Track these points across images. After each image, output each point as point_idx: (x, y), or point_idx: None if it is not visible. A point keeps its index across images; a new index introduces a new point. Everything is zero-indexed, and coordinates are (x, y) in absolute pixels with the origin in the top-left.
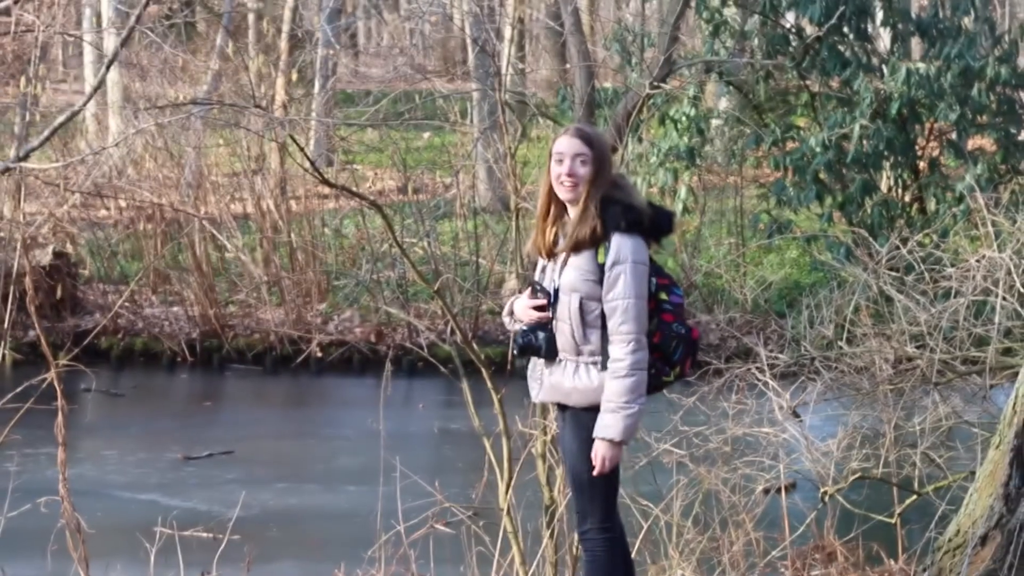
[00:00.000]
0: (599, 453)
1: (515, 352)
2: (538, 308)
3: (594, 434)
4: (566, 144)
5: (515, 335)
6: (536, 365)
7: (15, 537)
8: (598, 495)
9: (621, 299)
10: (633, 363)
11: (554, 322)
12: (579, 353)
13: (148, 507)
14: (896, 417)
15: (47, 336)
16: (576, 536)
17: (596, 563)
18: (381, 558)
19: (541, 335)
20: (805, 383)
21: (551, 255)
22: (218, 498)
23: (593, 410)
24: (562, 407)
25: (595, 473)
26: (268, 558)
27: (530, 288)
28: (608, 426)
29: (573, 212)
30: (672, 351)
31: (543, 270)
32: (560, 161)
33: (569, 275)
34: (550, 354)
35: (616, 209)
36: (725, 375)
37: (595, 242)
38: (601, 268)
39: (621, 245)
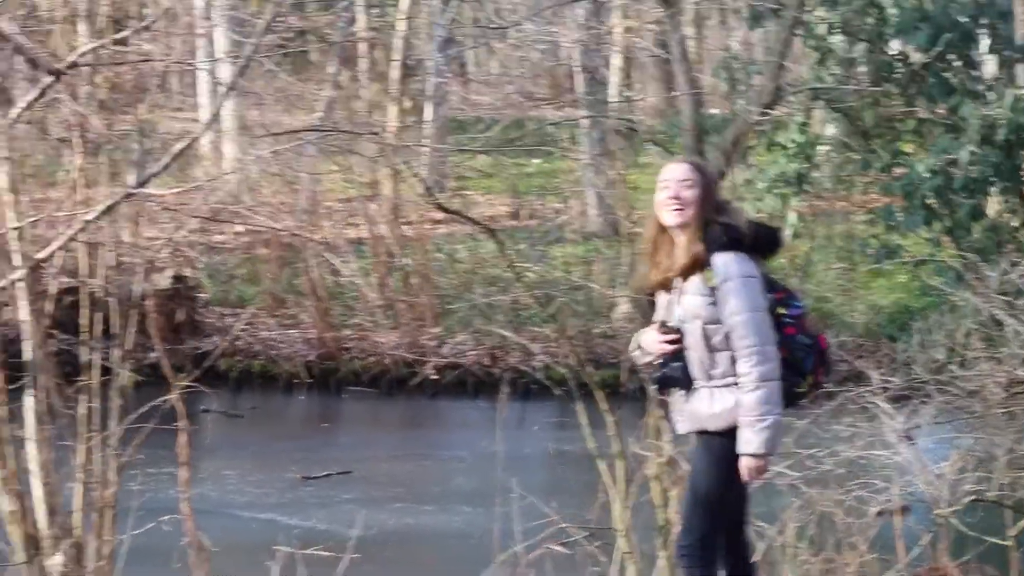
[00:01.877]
0: (744, 467)
1: (655, 387)
2: (670, 341)
3: (737, 450)
4: (672, 171)
5: (651, 371)
6: (676, 397)
7: (139, 555)
8: (707, 515)
9: (737, 314)
10: (759, 375)
11: (685, 351)
12: (710, 378)
13: (267, 526)
14: (1009, 440)
15: (168, 358)
16: (675, 548)
17: None
18: None
19: (676, 365)
20: (917, 406)
21: (667, 287)
22: (336, 518)
23: (728, 432)
24: (700, 431)
25: (743, 482)
26: None
27: (659, 325)
28: (748, 441)
29: (680, 238)
30: (801, 362)
31: (667, 303)
32: (666, 187)
33: (687, 302)
34: (688, 383)
35: (715, 229)
36: (837, 398)
37: (701, 265)
38: (713, 291)
39: (725, 262)
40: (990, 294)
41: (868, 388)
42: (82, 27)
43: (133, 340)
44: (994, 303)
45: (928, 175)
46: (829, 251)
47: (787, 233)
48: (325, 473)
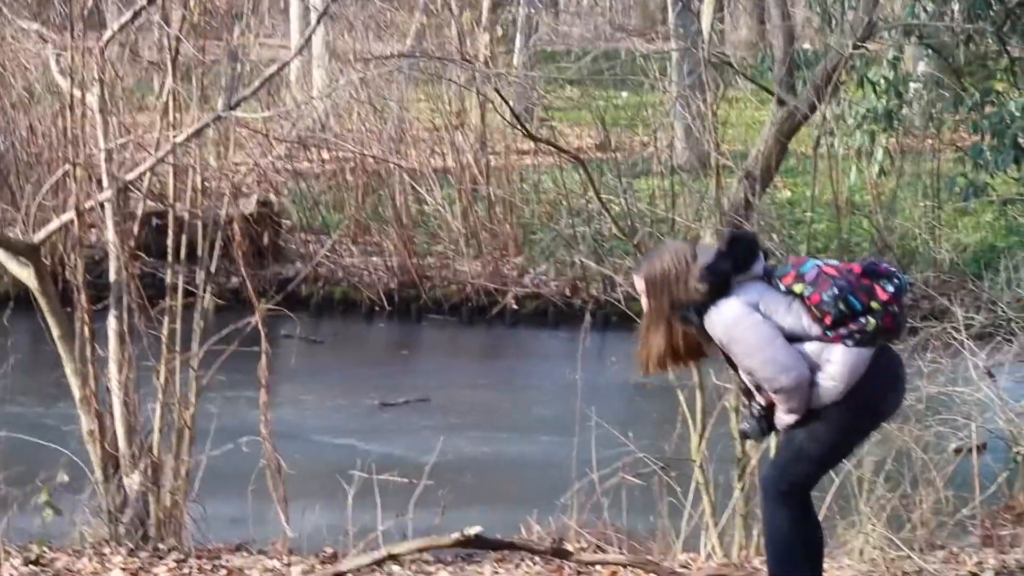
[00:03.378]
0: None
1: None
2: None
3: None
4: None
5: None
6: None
7: (215, 477)
8: (809, 467)
9: (747, 359)
10: (786, 398)
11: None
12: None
13: (345, 451)
14: None
15: (251, 283)
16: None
17: (769, 512)
18: (574, 506)
19: (752, 419)
20: (1001, 344)
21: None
22: (413, 444)
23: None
24: None
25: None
26: (462, 503)
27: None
28: (779, 420)
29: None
30: (848, 310)
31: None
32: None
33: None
34: (760, 433)
35: (682, 315)
36: (920, 334)
37: (706, 335)
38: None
39: (711, 327)
40: None
41: (952, 324)
42: None
43: (217, 264)
44: None
45: (1019, 114)
46: (916, 188)
47: (874, 170)
48: (403, 400)
